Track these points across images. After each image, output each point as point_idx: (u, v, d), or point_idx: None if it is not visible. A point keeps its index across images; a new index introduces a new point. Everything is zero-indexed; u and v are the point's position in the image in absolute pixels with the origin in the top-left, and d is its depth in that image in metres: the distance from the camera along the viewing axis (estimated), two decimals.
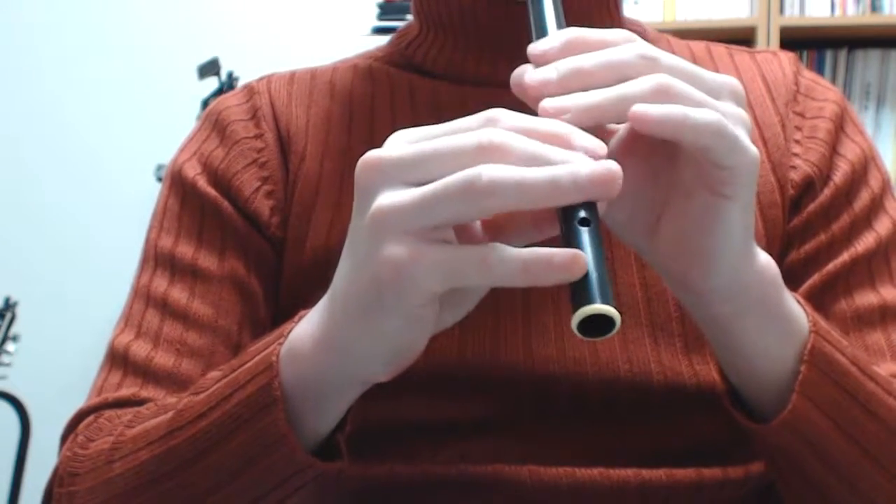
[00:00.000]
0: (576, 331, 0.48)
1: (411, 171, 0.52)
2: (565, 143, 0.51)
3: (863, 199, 0.80)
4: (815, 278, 0.78)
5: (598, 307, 0.48)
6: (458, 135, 0.52)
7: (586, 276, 0.48)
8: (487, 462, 0.73)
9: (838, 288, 0.78)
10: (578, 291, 0.48)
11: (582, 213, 0.51)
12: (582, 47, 0.56)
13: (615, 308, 0.48)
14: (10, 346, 2.53)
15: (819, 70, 2.67)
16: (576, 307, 0.48)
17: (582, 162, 0.50)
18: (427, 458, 0.74)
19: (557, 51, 0.56)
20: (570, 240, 0.50)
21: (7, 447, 2.60)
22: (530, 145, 0.51)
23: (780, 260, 0.78)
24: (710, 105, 0.55)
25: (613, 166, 0.49)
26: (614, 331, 0.48)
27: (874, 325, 0.77)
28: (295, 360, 0.60)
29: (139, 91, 3.07)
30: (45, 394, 2.62)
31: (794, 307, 0.64)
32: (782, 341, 0.63)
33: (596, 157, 0.51)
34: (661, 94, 0.53)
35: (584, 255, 0.48)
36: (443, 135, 0.53)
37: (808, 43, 2.63)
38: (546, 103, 0.54)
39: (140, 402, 0.74)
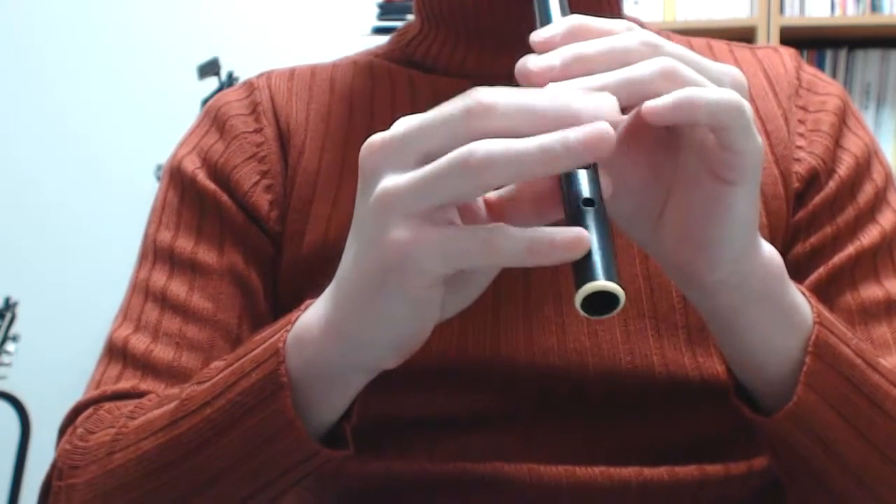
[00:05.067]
0: (579, 309, 0.48)
1: (407, 145, 0.52)
2: (565, 108, 0.50)
3: (867, 192, 0.80)
4: (820, 271, 0.78)
5: (601, 284, 0.47)
6: (448, 103, 0.52)
7: (589, 254, 0.48)
8: (487, 459, 0.72)
9: (844, 281, 0.78)
10: (582, 269, 0.48)
11: (586, 195, 0.51)
12: (585, 34, 0.56)
13: (619, 285, 0.48)
14: (10, 346, 2.53)
15: (819, 70, 2.66)
16: (579, 285, 0.48)
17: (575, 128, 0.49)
18: (425, 454, 0.74)
19: (560, 38, 0.55)
20: (573, 220, 0.50)
21: (7, 447, 2.60)
22: (517, 97, 0.50)
23: (784, 253, 0.78)
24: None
25: (604, 126, 0.48)
26: (618, 308, 0.48)
27: (879, 319, 0.77)
28: (302, 347, 0.59)
29: (139, 91, 3.07)
30: (45, 394, 2.61)
31: (799, 299, 0.63)
32: (786, 333, 0.63)
33: (599, 111, 0.50)
34: (667, 77, 0.53)
35: (587, 234, 0.48)
36: None
37: (807, 43, 2.63)
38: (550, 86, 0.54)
39: (139, 394, 0.74)
